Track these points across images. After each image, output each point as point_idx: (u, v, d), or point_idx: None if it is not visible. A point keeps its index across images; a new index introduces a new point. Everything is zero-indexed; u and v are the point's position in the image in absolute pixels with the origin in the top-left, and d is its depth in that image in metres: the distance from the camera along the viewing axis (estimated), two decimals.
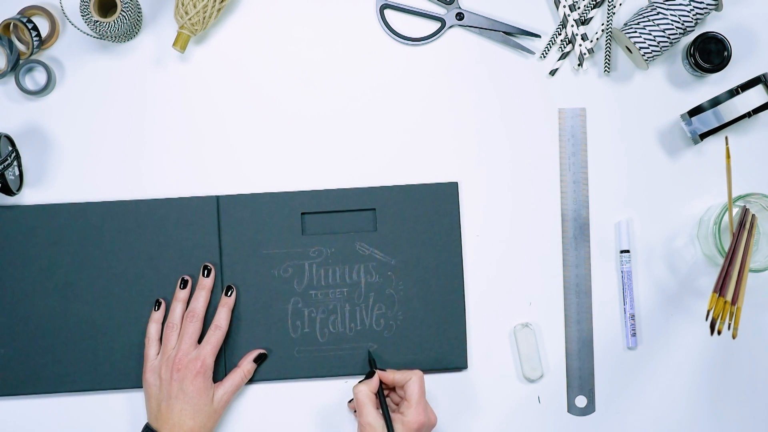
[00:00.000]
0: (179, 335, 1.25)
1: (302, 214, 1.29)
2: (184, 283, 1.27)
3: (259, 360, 1.27)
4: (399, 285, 1.29)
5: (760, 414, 1.31)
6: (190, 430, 1.21)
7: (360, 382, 1.24)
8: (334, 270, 1.29)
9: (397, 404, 1.26)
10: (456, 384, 1.30)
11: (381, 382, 1.25)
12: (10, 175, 1.25)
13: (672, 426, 1.31)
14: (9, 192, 1.25)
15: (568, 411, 1.31)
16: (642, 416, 1.31)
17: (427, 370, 1.29)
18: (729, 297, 1.19)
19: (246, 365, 1.27)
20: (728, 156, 1.24)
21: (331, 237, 1.29)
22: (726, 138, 1.27)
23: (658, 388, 1.31)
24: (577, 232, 1.31)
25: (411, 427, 1.21)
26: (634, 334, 1.30)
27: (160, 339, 1.26)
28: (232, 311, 1.28)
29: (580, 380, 1.30)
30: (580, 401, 1.31)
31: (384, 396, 1.24)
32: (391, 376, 1.25)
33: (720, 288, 1.20)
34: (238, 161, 1.30)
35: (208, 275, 1.27)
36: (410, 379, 1.23)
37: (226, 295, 1.27)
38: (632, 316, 1.30)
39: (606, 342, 1.31)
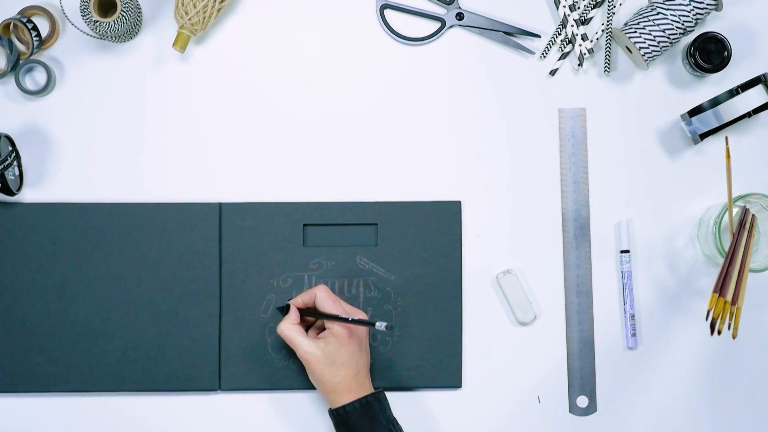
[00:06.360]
0: None
1: (304, 225, 1.29)
2: None
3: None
4: (397, 301, 1.29)
5: (760, 414, 1.31)
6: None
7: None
8: (333, 283, 1.29)
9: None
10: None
11: (301, 310, 1.24)
12: (10, 175, 1.25)
13: (672, 426, 1.31)
14: (9, 192, 1.25)
15: (570, 411, 1.31)
16: (643, 416, 1.31)
17: (420, 387, 1.29)
18: (729, 297, 1.19)
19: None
20: (728, 156, 1.24)
21: (331, 250, 1.29)
22: (726, 138, 1.27)
23: (658, 387, 1.31)
24: (577, 232, 1.31)
25: (341, 337, 1.20)
26: (634, 334, 1.30)
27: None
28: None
29: (582, 380, 1.30)
30: (582, 401, 1.31)
31: (313, 312, 1.23)
32: (300, 299, 1.24)
33: (720, 288, 1.20)
34: (239, 166, 1.30)
35: None
36: (316, 295, 1.22)
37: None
38: (632, 316, 1.30)
39: (606, 342, 1.31)
